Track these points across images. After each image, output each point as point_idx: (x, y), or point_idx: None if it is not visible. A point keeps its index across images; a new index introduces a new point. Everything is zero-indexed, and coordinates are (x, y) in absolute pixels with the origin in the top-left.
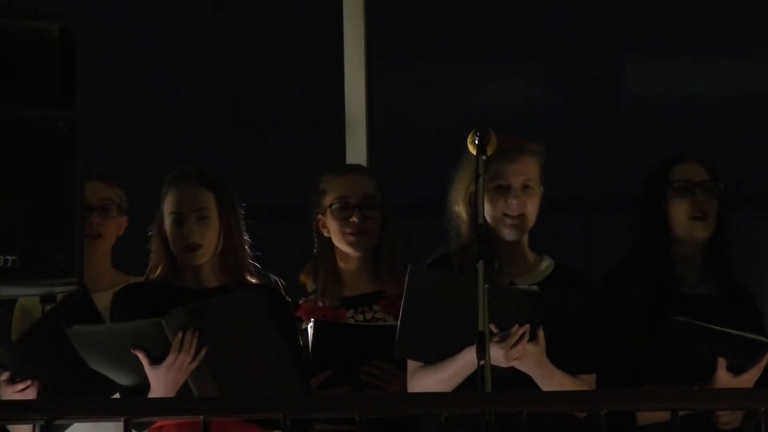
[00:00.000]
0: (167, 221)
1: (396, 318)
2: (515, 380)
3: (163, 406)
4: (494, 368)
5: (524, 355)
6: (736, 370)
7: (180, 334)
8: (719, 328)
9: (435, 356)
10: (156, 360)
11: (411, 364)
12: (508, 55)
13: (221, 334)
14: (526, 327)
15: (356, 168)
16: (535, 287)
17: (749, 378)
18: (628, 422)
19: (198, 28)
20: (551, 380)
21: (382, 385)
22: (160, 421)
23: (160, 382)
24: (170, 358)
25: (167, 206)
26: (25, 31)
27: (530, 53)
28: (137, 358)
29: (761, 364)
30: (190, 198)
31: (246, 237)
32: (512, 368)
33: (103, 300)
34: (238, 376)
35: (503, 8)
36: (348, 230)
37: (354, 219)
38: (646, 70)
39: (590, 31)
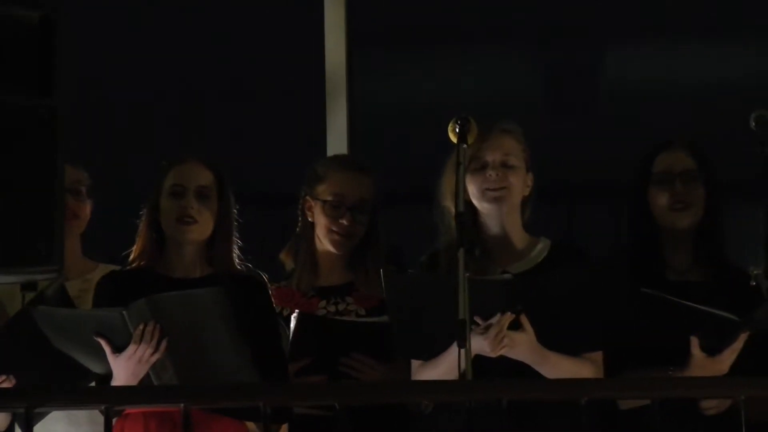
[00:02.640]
0: (165, 195)
1: (368, 311)
2: (510, 369)
3: (143, 394)
4: (487, 358)
5: (512, 344)
6: (709, 350)
7: (141, 326)
8: (688, 303)
9: (433, 352)
10: (119, 348)
11: (413, 362)
12: (490, 43)
13: (181, 327)
14: (508, 315)
15: (359, 166)
16: (508, 275)
17: (724, 359)
18: (610, 408)
19: (176, 15)
20: (548, 365)
21: (359, 377)
22: (128, 410)
23: (121, 371)
24: (130, 349)
25: (167, 181)
26: (5, 17)
27: (512, 41)
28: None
29: (735, 346)
30: (194, 173)
31: (235, 233)
32: (506, 357)
33: (73, 288)
34: (198, 369)
35: None
36: (335, 229)
37: (344, 221)
38: (627, 58)
39: (571, 20)
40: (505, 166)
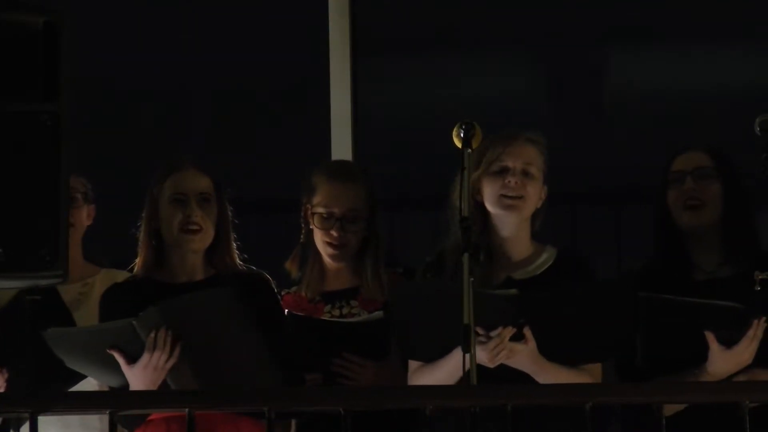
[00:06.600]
0: (166, 204)
1: (370, 314)
2: (509, 377)
3: (147, 398)
4: (486, 367)
5: (511, 354)
6: (727, 342)
7: (153, 334)
8: (692, 299)
9: (434, 356)
10: (134, 359)
11: (411, 363)
12: (494, 48)
13: (196, 330)
14: (510, 329)
15: (348, 174)
16: (513, 291)
17: (742, 349)
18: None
19: (181, 23)
20: (547, 374)
21: (351, 376)
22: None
23: (138, 381)
24: (144, 357)
25: (167, 189)
26: (10, 23)
27: (516, 47)
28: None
29: (751, 333)
30: (194, 181)
31: (233, 234)
32: (505, 366)
33: (72, 292)
34: (216, 371)
35: (489, 1)
36: (327, 240)
37: (333, 232)
38: (630, 63)
39: (575, 25)
40: (525, 174)
